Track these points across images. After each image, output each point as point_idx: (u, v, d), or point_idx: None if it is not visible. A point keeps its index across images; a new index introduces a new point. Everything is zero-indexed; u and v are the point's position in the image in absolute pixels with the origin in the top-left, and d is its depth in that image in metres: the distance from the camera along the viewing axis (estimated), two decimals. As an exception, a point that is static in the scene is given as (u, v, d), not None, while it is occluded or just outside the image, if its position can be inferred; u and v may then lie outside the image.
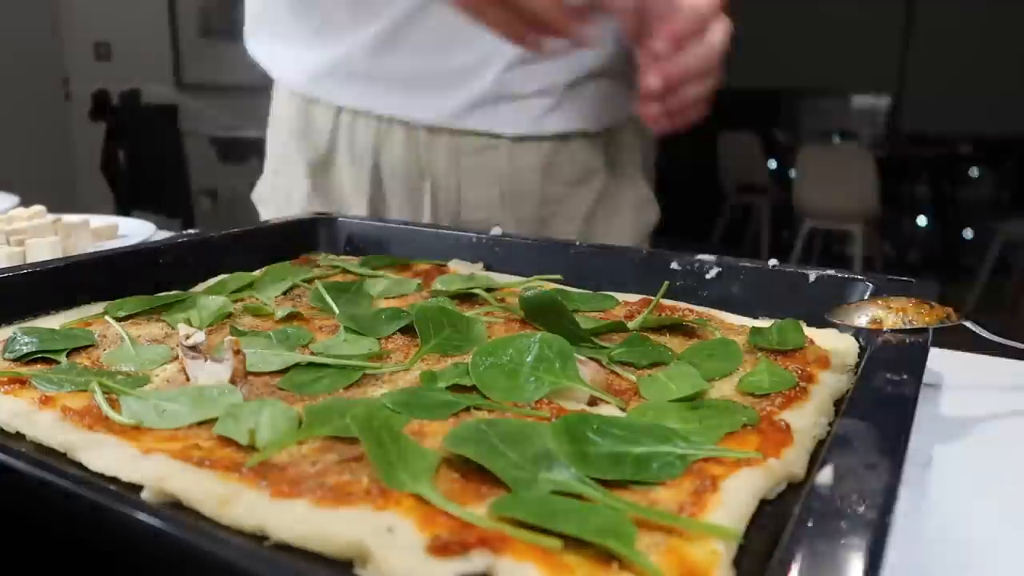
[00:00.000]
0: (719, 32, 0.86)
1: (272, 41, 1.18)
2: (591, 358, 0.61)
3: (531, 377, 0.56)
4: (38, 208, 1.18)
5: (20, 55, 5.15)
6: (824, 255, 5.58)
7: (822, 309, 0.69)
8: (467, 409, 0.52)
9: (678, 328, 0.70)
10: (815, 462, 0.46)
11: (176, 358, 0.60)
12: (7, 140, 4.83)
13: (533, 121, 1.10)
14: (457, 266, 0.90)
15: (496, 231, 0.94)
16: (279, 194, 1.23)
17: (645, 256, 0.86)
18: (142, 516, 0.38)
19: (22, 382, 0.55)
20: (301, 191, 1.19)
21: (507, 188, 1.12)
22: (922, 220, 6.08)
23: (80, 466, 0.45)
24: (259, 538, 0.38)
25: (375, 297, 0.79)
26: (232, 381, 0.56)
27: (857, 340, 0.66)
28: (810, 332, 0.68)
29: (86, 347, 0.64)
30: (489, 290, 0.80)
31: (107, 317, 0.69)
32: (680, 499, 0.42)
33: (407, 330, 0.68)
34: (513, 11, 0.80)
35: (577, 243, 0.89)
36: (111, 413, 0.50)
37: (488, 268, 0.90)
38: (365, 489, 0.41)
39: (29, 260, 1.03)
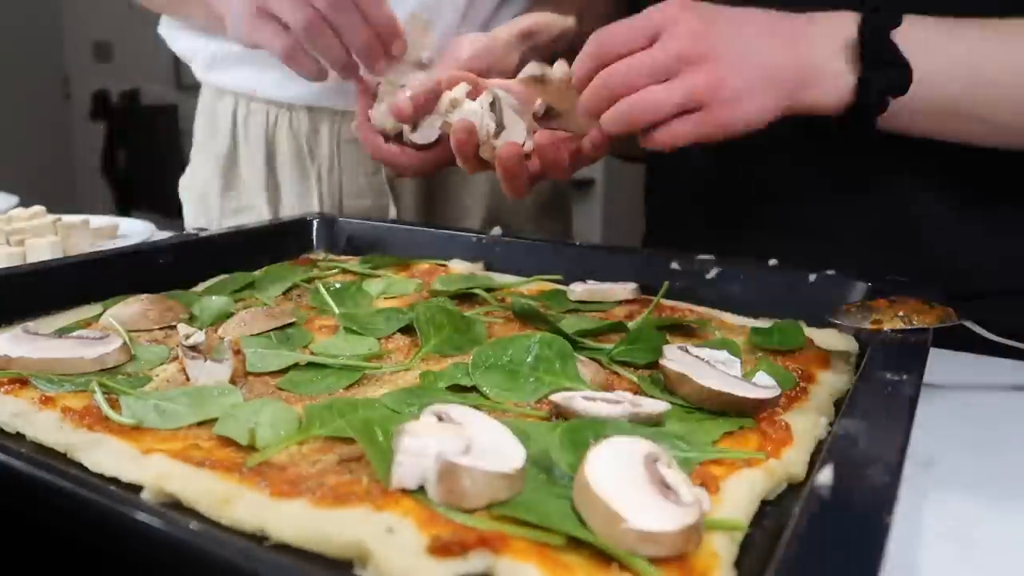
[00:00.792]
0: None
1: (180, 25, 1.20)
2: (591, 358, 0.61)
3: (531, 377, 0.56)
4: (38, 208, 1.18)
5: (20, 55, 5.15)
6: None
7: (822, 309, 0.69)
8: (467, 409, 0.52)
9: (678, 328, 0.70)
10: (815, 462, 0.46)
11: (176, 358, 0.60)
12: (7, 140, 4.83)
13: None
14: (457, 266, 0.90)
15: (496, 231, 0.94)
16: (194, 193, 1.25)
17: (645, 256, 0.86)
18: (142, 516, 0.38)
19: (22, 382, 0.55)
20: (214, 188, 1.21)
21: (391, 173, 1.12)
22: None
23: (80, 466, 0.45)
24: (259, 538, 0.38)
25: (375, 297, 0.79)
26: (232, 381, 0.56)
27: (857, 340, 0.66)
28: (810, 332, 0.68)
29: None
30: (489, 290, 0.80)
31: (107, 317, 0.69)
32: (680, 499, 0.42)
33: (407, 330, 0.68)
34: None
35: (577, 243, 0.89)
36: (111, 413, 0.50)
37: (488, 268, 0.90)
38: (365, 489, 0.41)
39: (29, 260, 1.03)
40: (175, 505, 0.41)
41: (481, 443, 0.41)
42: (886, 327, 0.63)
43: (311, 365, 0.59)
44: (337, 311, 0.73)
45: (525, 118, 0.84)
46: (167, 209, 1.56)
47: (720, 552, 0.37)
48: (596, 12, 1.03)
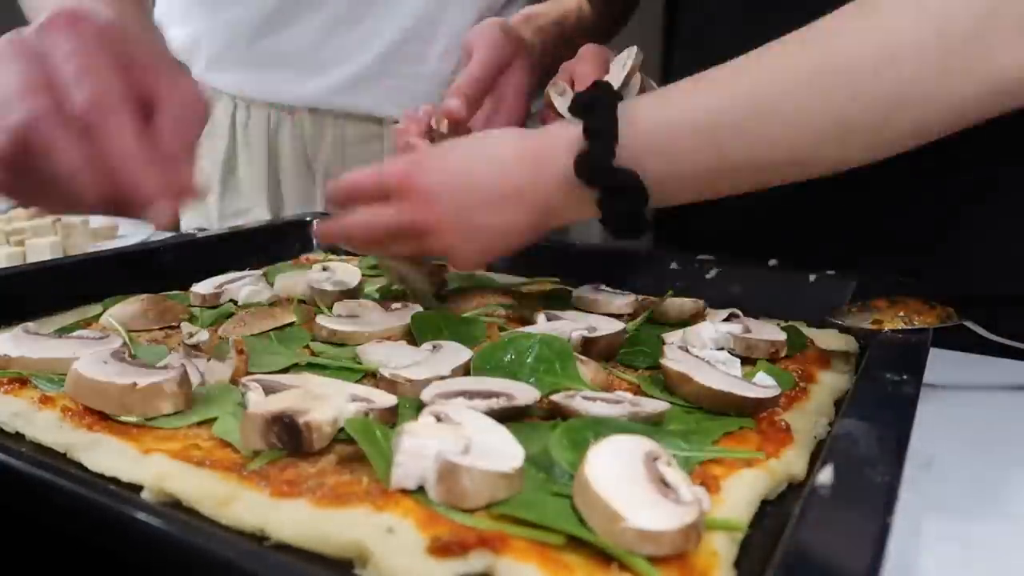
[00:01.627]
0: None
1: (179, 23, 1.20)
2: (591, 358, 0.61)
3: (531, 377, 0.56)
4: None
5: (20, 55, 5.14)
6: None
7: (822, 309, 0.69)
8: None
9: (678, 328, 0.70)
10: (815, 462, 0.46)
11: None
12: (7, 140, 4.82)
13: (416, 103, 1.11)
14: (457, 266, 0.90)
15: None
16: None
17: (645, 256, 0.86)
18: (142, 516, 0.38)
19: (22, 382, 0.55)
20: (212, 191, 1.20)
21: None
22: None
23: (80, 466, 0.45)
24: (259, 538, 0.38)
25: (375, 297, 0.79)
26: (233, 381, 0.56)
27: (857, 340, 0.66)
28: (810, 332, 0.68)
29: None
30: (489, 290, 0.80)
31: (107, 317, 0.69)
32: (680, 499, 0.42)
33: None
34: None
35: (577, 243, 0.89)
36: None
37: (488, 268, 0.90)
38: (365, 489, 0.41)
39: (29, 260, 1.03)
40: (175, 505, 0.41)
41: (480, 443, 0.41)
42: (886, 327, 0.63)
43: (311, 365, 0.59)
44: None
45: None
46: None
47: (720, 551, 0.37)
48: None
